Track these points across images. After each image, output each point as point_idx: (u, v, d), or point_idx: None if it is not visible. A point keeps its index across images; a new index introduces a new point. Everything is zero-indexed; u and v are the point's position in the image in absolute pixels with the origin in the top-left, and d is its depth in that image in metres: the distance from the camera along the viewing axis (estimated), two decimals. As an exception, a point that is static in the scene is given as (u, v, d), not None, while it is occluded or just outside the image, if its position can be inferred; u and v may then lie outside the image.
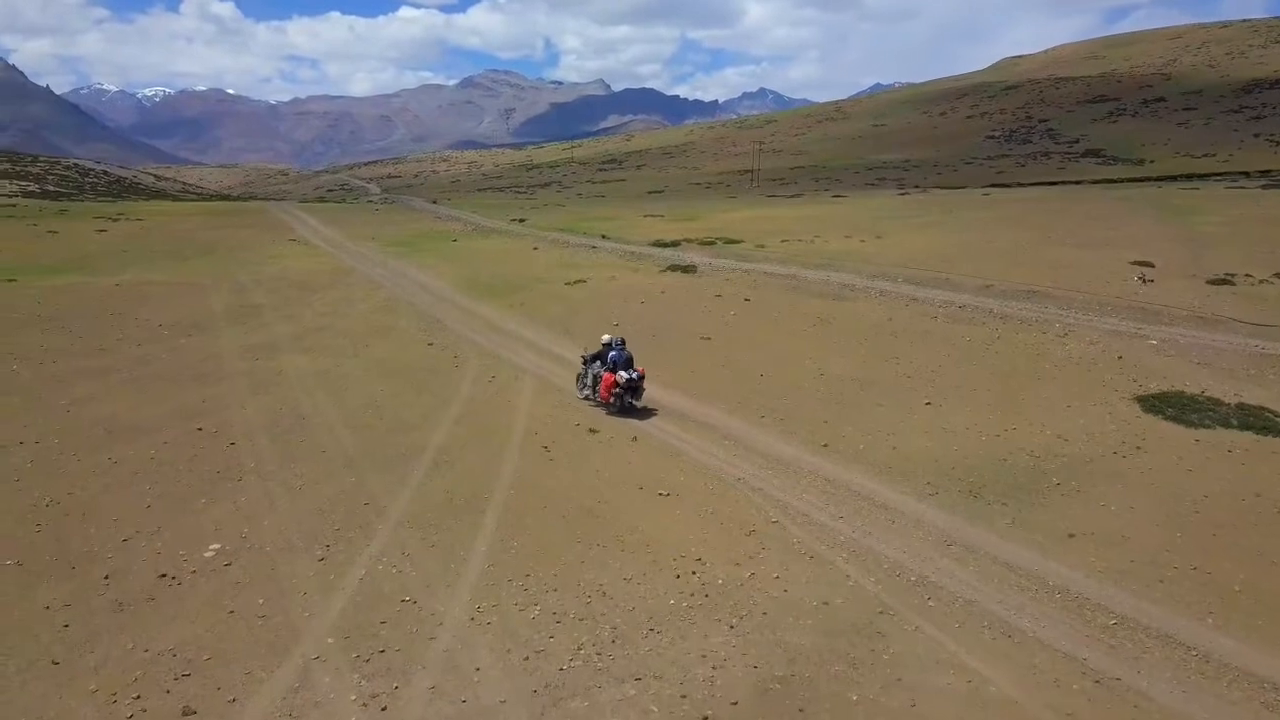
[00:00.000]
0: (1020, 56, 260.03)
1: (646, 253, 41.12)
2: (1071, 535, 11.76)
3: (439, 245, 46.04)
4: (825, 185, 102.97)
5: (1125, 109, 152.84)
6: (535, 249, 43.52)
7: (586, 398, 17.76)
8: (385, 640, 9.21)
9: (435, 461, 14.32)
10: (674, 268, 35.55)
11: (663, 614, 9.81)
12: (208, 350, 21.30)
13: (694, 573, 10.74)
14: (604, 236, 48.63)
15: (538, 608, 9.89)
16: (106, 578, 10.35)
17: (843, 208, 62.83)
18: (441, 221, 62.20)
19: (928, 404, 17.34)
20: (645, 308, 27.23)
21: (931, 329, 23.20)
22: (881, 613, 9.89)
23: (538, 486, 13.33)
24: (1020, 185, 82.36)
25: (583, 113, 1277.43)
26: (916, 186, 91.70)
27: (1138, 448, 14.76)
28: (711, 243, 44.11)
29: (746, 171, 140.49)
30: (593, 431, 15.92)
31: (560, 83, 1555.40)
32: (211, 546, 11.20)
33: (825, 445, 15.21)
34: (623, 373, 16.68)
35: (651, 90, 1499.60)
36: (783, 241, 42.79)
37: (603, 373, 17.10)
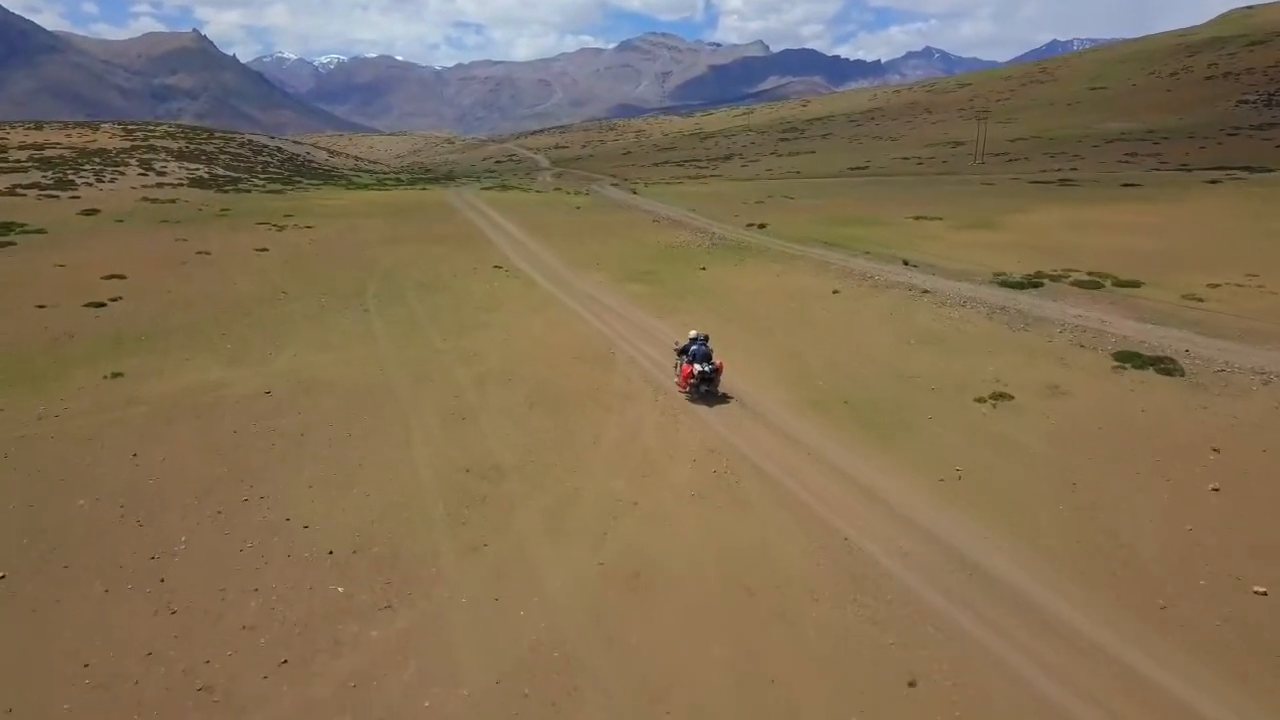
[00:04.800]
0: (1253, 7, 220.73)
1: (1022, 307, 26.72)
2: None
3: (689, 279, 33.13)
4: (1066, 162, 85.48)
5: None
6: (836, 292, 30.04)
7: (680, 388, 18.28)
8: None
9: None
10: (1130, 359, 21.04)
11: None
12: (433, 710, 9.07)
13: None
14: (906, 263, 34.56)
15: None
16: None
17: (1170, 207, 47.04)
18: (661, 228, 49.08)
19: None
20: (1210, 505, 13.15)
21: None
22: None
23: None
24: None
25: (741, 75, 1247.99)
26: (1184, 166, 74.18)
27: None
28: (1095, 284, 29.42)
29: (958, 144, 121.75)
30: None
31: (718, 44, 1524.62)
32: None
33: None
34: (698, 365, 17.68)
35: (811, 51, 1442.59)
36: (1210, 286, 28.06)
37: (683, 363, 18.17)
